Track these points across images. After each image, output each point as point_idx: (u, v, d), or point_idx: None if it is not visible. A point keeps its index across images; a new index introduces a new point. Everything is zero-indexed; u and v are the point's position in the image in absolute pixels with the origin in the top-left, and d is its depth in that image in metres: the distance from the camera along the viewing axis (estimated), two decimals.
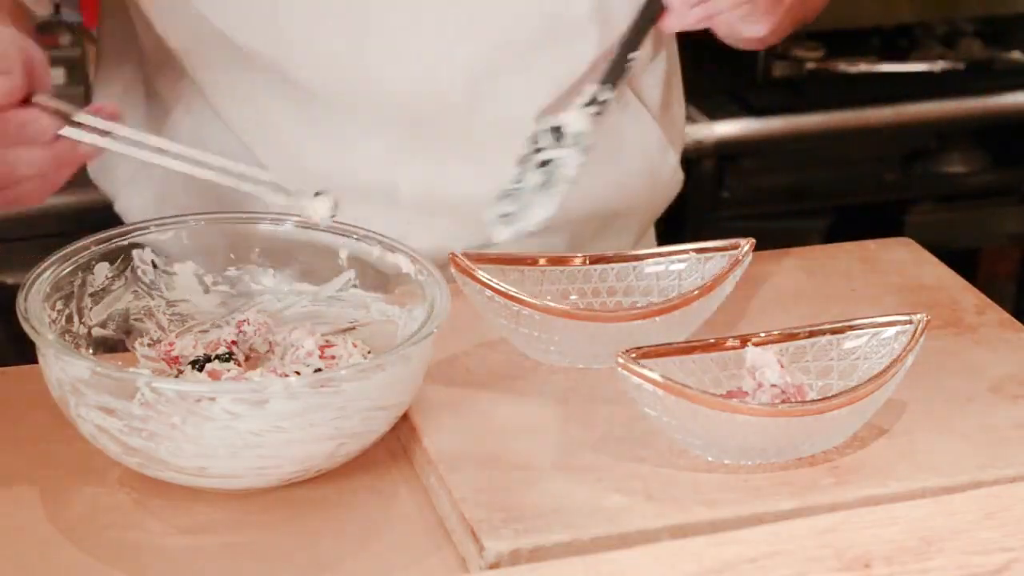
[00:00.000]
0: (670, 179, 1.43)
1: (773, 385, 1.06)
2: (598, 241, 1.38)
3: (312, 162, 1.30)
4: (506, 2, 1.25)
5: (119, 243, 1.14)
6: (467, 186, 1.28)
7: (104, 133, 1.07)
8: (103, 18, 1.44)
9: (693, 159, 2.30)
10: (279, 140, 1.30)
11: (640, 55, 1.12)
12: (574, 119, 1.09)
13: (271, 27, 1.25)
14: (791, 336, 1.10)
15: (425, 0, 1.24)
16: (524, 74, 1.28)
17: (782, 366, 1.07)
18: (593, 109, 1.09)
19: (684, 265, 1.20)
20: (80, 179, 2.02)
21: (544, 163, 1.09)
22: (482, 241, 1.33)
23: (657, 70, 1.40)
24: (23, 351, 1.09)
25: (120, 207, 1.40)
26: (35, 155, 1.06)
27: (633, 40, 1.11)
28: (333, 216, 1.09)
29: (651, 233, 1.50)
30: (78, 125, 1.06)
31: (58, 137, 1.05)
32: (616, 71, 1.11)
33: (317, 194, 1.08)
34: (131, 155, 1.08)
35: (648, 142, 1.39)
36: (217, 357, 1.10)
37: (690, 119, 2.31)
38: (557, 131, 1.09)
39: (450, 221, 1.30)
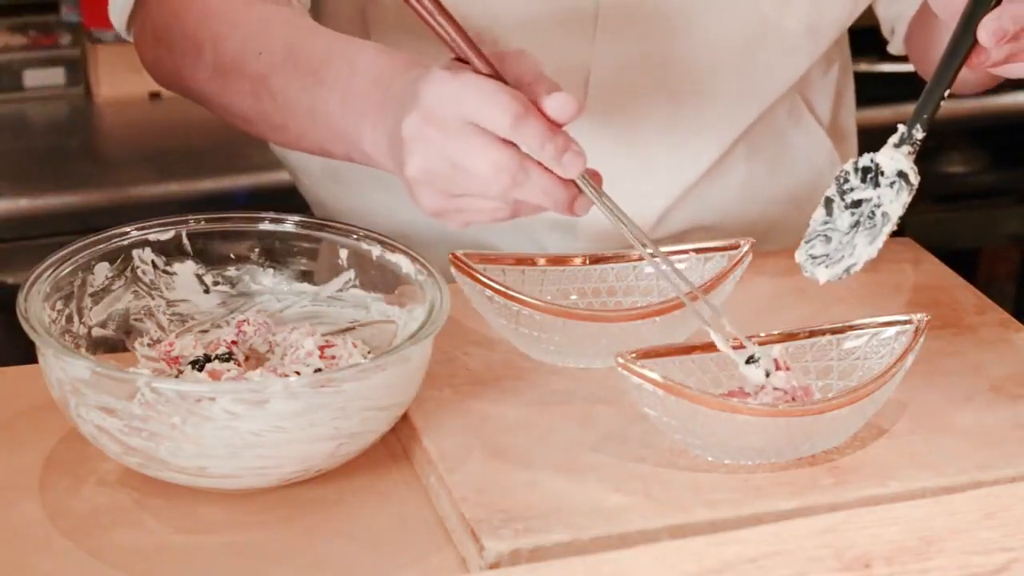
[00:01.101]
0: None
1: (776, 388, 1.06)
2: (759, 247, 1.37)
3: None
4: (723, 5, 1.25)
5: (119, 243, 1.14)
6: (643, 190, 1.27)
7: (600, 195, 1.03)
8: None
9: None
10: None
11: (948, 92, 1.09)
12: (889, 159, 1.07)
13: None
14: (791, 336, 1.10)
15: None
16: (734, 81, 1.29)
17: (789, 368, 1.07)
18: (907, 148, 1.08)
19: (684, 265, 1.20)
20: (81, 180, 2.03)
21: (855, 203, 1.07)
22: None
23: (829, 83, 1.40)
24: (23, 351, 1.09)
25: (296, 160, 1.41)
26: (548, 181, 1.00)
27: (946, 77, 1.07)
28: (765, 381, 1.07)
29: None
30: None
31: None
32: (928, 109, 1.08)
33: (749, 360, 1.07)
34: (630, 241, 1.06)
35: (818, 154, 1.39)
36: (217, 357, 1.10)
37: None
38: (866, 171, 1.07)
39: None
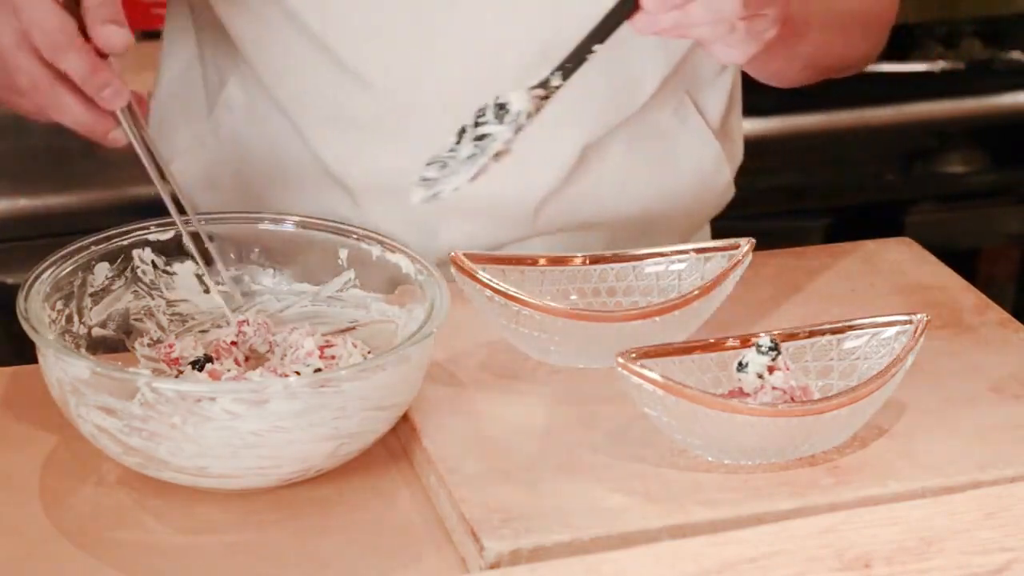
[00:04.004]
0: (721, 194, 1.43)
1: (775, 388, 1.06)
2: (639, 242, 1.37)
3: (362, 148, 1.30)
4: None
5: (119, 243, 1.14)
6: (501, 179, 1.27)
7: (138, 129, 1.08)
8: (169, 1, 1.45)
9: None
10: (329, 124, 1.30)
11: (601, 48, 1.09)
12: (518, 98, 1.08)
13: (327, 7, 1.25)
14: (791, 336, 1.10)
15: None
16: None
17: (788, 368, 1.07)
18: (540, 92, 1.08)
19: (684, 265, 1.20)
20: (81, 180, 2.03)
21: (480, 137, 1.08)
22: (512, 237, 1.33)
23: (723, 85, 1.39)
24: (23, 351, 1.09)
25: (176, 169, 1.41)
26: (81, 112, 1.07)
27: (600, 32, 1.08)
28: None
29: (704, 237, 1.49)
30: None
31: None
32: (573, 60, 1.08)
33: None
34: (145, 165, 1.11)
35: (704, 157, 1.39)
36: (194, 363, 1.10)
37: None
38: (502, 108, 1.08)
39: (480, 217, 1.31)
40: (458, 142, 1.08)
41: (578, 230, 1.35)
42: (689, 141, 1.37)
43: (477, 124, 1.08)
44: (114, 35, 1.05)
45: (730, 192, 1.44)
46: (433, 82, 1.27)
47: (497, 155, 1.08)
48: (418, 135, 1.24)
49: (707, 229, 1.49)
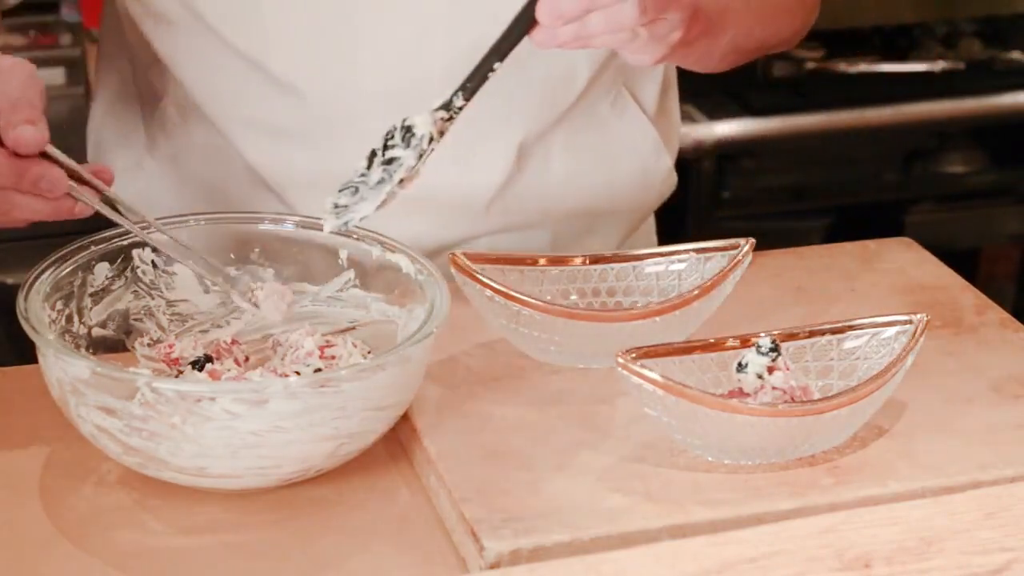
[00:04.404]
0: (663, 181, 1.43)
1: (775, 388, 1.06)
2: (583, 239, 1.38)
3: (298, 159, 1.30)
4: None
5: (119, 243, 1.14)
6: (446, 178, 1.27)
7: (99, 192, 1.07)
8: (103, 17, 1.45)
9: (693, 159, 2.30)
10: (262, 136, 1.31)
11: (502, 66, 1.08)
12: (421, 122, 1.07)
13: (254, 23, 1.26)
14: (791, 336, 1.10)
15: None
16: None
17: (788, 368, 1.07)
18: (443, 114, 1.08)
19: (684, 265, 1.20)
20: None
21: (389, 161, 1.08)
22: (459, 236, 1.33)
23: (656, 73, 1.40)
24: (23, 351, 1.09)
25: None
26: (37, 205, 1.06)
27: (499, 50, 1.07)
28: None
29: (648, 229, 1.49)
30: (80, 181, 1.06)
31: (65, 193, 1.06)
32: (475, 79, 1.08)
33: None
34: (121, 224, 1.10)
35: (643, 144, 1.39)
36: (194, 363, 1.10)
37: (690, 119, 2.31)
38: (408, 131, 1.08)
39: (428, 216, 1.30)
40: (369, 166, 1.08)
41: (524, 229, 1.35)
42: (628, 131, 1.38)
43: (386, 147, 1.07)
44: (22, 136, 1.02)
45: (672, 179, 1.44)
46: (362, 91, 1.27)
47: (402, 182, 1.07)
48: (349, 141, 1.25)
49: (651, 221, 1.49)
